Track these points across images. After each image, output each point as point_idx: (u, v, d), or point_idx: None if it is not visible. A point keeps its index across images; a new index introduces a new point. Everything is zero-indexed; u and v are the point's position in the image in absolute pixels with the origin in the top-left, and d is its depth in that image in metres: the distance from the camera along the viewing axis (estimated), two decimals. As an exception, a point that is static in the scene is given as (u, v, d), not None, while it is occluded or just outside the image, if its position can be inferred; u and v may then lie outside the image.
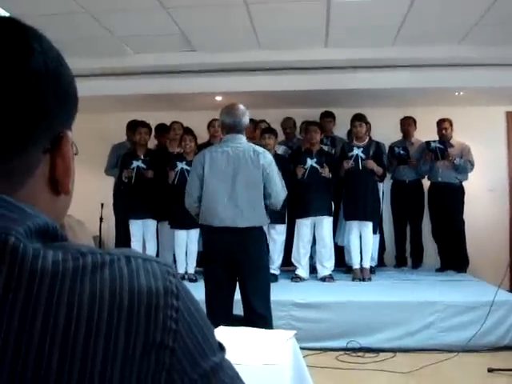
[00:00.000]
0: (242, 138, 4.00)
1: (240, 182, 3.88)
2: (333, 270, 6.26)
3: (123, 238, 6.53)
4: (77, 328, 0.56)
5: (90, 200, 6.39)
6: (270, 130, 6.28)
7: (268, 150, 4.48)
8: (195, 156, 4.29)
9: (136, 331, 0.59)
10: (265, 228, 4.30)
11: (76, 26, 5.07)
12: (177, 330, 0.62)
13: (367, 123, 6.47)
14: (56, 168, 0.69)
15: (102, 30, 5.25)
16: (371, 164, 6.24)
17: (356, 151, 6.20)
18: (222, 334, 2.53)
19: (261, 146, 4.46)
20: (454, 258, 6.78)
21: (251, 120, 5.30)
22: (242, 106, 3.99)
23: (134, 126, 6.68)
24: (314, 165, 6.07)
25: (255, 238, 3.93)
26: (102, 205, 7.00)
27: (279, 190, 3.97)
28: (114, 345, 0.57)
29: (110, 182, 7.06)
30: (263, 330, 2.96)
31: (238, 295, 3.98)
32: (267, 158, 3.96)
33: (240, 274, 3.92)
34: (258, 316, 3.82)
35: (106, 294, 0.58)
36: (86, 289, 0.58)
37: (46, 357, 0.55)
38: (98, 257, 0.61)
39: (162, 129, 7.10)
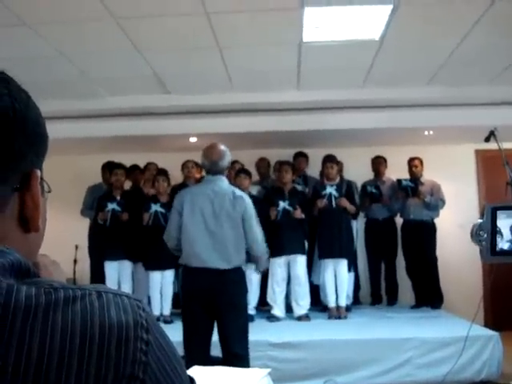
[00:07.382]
0: (223, 179, 3.97)
1: (220, 223, 3.85)
2: (308, 309, 6.24)
3: (98, 280, 6.43)
4: (49, 360, 0.58)
5: (64, 242, 6.33)
6: (245, 171, 6.32)
7: (242, 190, 4.49)
8: (175, 196, 4.21)
9: (107, 363, 0.60)
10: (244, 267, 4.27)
11: (50, 68, 5.09)
12: (147, 362, 0.63)
13: (338, 163, 6.56)
14: (25, 206, 0.70)
15: (76, 72, 5.27)
16: (344, 202, 6.29)
17: (329, 189, 6.26)
18: (196, 373, 2.51)
19: (235, 186, 4.44)
20: (429, 295, 6.83)
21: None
22: (222, 147, 3.95)
23: (109, 168, 6.69)
24: (287, 207, 6.12)
25: (235, 279, 3.87)
26: (77, 246, 6.94)
27: (260, 242, 3.97)
28: (85, 377, 0.59)
29: (85, 223, 7.00)
30: (237, 368, 2.92)
31: (214, 336, 3.92)
32: (248, 205, 3.92)
33: (219, 315, 3.85)
34: (237, 356, 3.75)
35: (77, 327, 0.60)
36: (58, 322, 0.59)
37: None
38: (70, 291, 0.62)
39: (135, 169, 7.11)
